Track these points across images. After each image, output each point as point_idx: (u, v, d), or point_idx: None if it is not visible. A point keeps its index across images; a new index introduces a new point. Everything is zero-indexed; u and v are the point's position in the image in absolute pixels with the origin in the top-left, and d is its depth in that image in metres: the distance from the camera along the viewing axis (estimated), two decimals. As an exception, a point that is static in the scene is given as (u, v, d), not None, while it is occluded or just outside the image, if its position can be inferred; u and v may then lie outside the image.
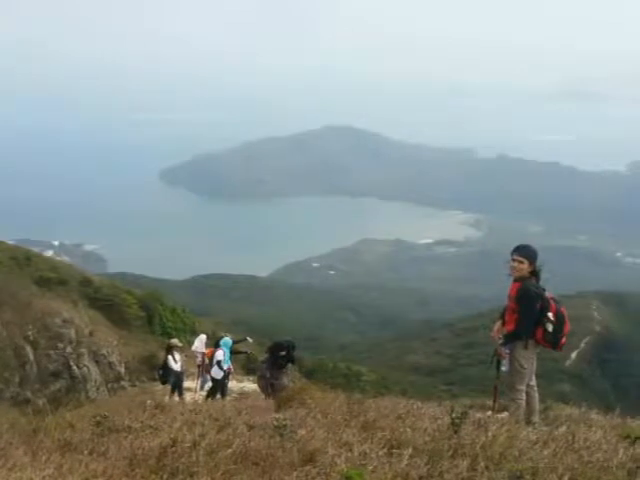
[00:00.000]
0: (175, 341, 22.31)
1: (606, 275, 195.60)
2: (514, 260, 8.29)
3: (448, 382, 68.65)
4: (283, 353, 15.05)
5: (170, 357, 20.87)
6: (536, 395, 8.51)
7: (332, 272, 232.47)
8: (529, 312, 8.06)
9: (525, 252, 8.31)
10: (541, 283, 8.31)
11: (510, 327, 8.26)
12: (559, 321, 8.12)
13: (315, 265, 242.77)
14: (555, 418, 9.10)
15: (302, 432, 6.25)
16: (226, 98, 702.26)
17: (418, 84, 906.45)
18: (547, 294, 8.19)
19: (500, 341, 8.33)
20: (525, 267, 8.22)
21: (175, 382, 21.07)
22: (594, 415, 9.47)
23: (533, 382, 8.48)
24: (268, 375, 15.00)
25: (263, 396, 15.08)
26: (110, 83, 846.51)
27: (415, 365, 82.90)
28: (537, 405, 8.57)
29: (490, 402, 9.44)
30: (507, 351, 8.22)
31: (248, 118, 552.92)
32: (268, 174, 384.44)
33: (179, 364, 21.10)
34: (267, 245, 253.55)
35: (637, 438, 6.32)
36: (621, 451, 5.72)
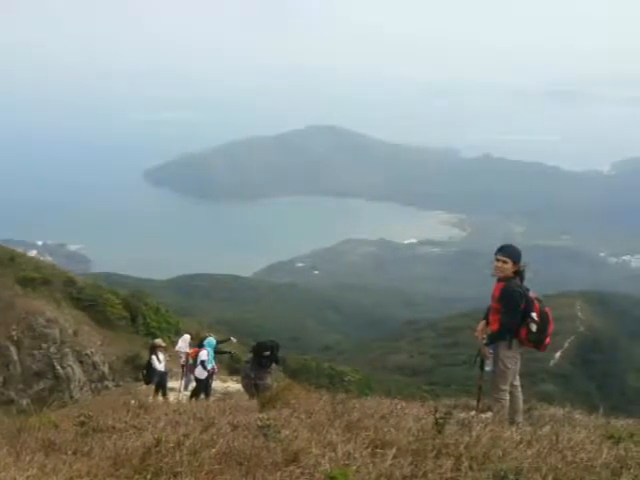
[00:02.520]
0: (159, 341, 22.27)
1: (590, 275, 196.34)
2: (498, 260, 8.31)
3: (432, 382, 68.64)
4: (267, 353, 15.04)
5: (154, 357, 20.83)
6: (520, 395, 8.53)
7: (316, 272, 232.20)
8: (513, 312, 8.07)
9: (509, 252, 8.33)
10: (525, 283, 8.34)
11: (494, 327, 8.27)
12: (543, 321, 8.14)
13: (299, 265, 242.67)
14: (539, 418, 9.12)
15: (286, 432, 6.24)
16: (211, 98, 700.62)
17: (404, 83, 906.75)
18: (531, 294, 8.22)
19: (484, 341, 8.34)
20: (509, 267, 8.24)
21: (159, 382, 21.03)
22: (578, 415, 9.52)
23: (517, 382, 8.50)
24: (252, 375, 14.98)
25: (247, 396, 15.06)
26: (95, 83, 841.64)
27: (399, 365, 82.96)
28: (521, 405, 8.60)
29: (474, 402, 9.46)
30: (491, 351, 8.24)
31: (232, 118, 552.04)
32: (252, 174, 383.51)
33: (163, 364, 21.06)
34: (251, 245, 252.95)
35: (621, 438, 6.36)
36: (605, 451, 5.74)
